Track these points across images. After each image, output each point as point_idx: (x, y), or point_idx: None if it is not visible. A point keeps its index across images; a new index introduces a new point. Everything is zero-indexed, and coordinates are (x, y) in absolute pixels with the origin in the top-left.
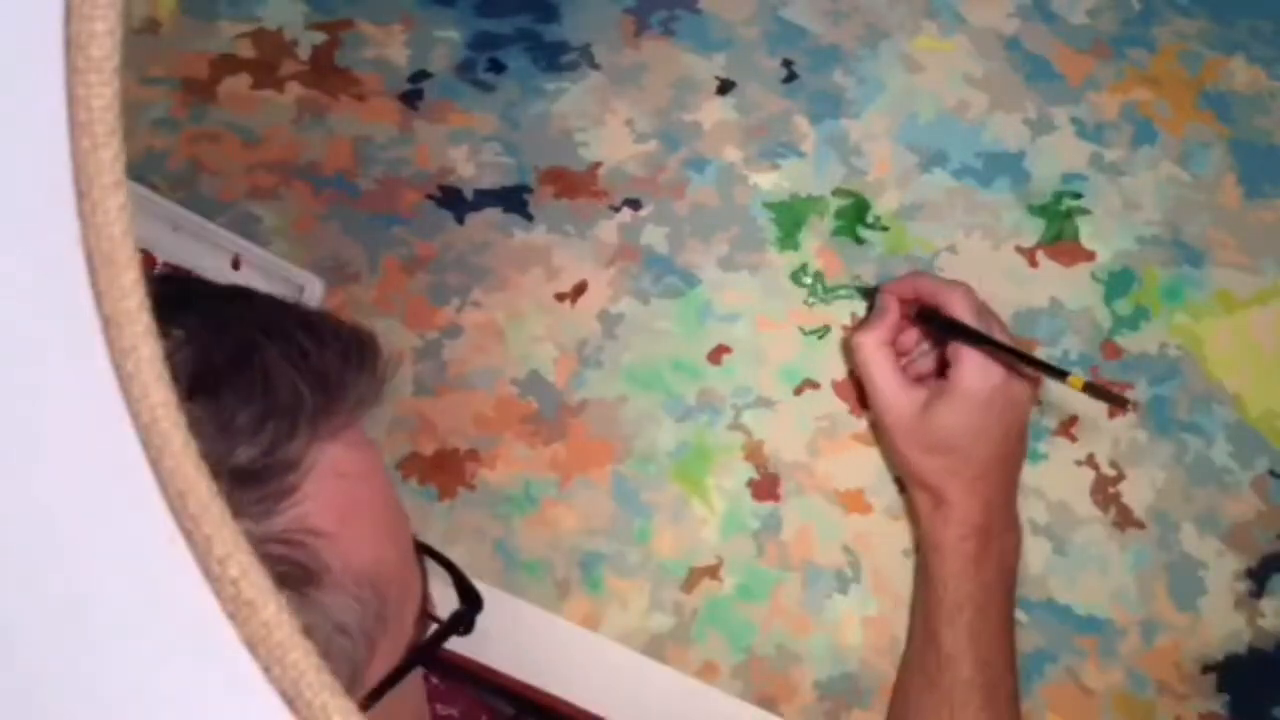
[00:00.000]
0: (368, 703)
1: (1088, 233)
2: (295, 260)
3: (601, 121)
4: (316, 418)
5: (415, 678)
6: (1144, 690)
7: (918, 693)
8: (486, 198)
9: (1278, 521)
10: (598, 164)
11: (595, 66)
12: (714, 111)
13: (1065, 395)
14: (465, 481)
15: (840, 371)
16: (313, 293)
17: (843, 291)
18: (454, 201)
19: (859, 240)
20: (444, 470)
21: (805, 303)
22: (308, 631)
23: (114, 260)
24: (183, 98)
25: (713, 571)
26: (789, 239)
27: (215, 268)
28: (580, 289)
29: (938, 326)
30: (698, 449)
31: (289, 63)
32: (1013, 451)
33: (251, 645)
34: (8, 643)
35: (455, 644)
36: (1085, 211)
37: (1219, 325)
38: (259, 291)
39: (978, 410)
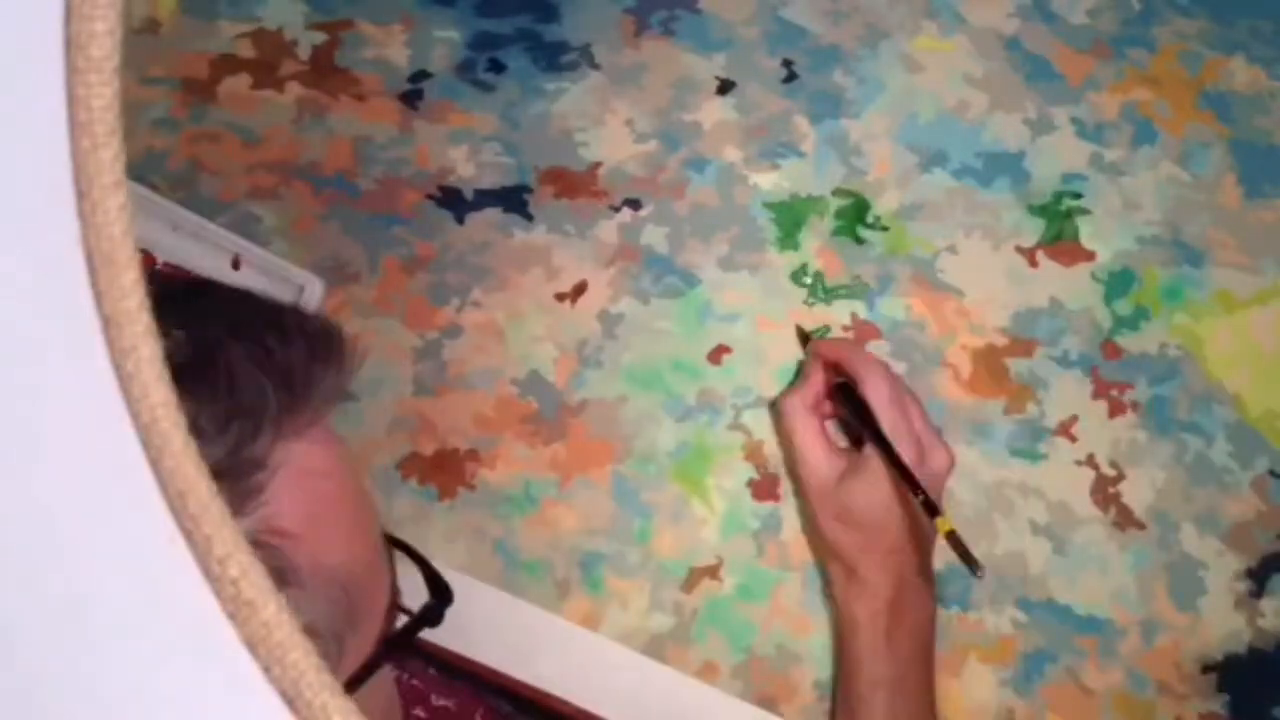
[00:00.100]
0: None
1: (1088, 233)
2: (295, 260)
3: (601, 121)
4: (281, 416)
5: (386, 671)
6: (1144, 690)
7: None
8: (486, 198)
9: (1278, 521)
10: (598, 164)
11: (595, 66)
12: (714, 111)
13: (1065, 395)
14: (465, 481)
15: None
16: (313, 293)
17: (843, 291)
18: (454, 201)
19: (859, 240)
20: (444, 470)
21: (805, 303)
22: None
23: (114, 260)
24: (183, 98)
25: (713, 571)
26: (789, 239)
27: (215, 268)
28: (580, 289)
29: (850, 408)
30: (698, 449)
31: (289, 63)
32: (926, 527)
33: (251, 645)
34: (8, 643)
35: (456, 643)
36: (1085, 211)
37: (1219, 325)
38: (225, 286)
39: (890, 487)
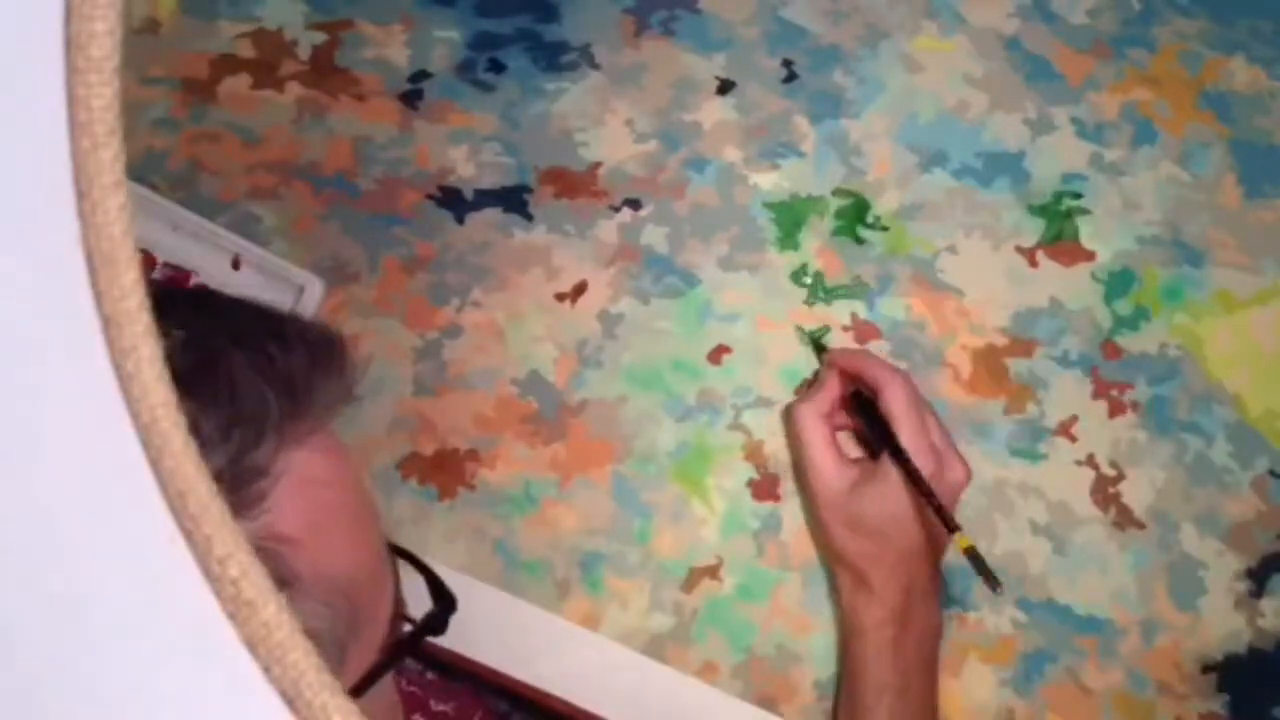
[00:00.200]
0: None
1: (1088, 233)
2: (295, 260)
3: (601, 121)
4: (284, 424)
5: (387, 677)
6: (1144, 690)
7: None
8: (486, 198)
9: (1278, 521)
10: (598, 164)
11: (595, 66)
12: (714, 111)
13: (1065, 395)
14: (465, 481)
15: None
16: (313, 293)
17: (843, 291)
18: (454, 201)
19: (859, 240)
20: (444, 470)
21: (805, 303)
22: None
23: (114, 260)
24: (183, 98)
25: (713, 571)
26: (789, 239)
27: (215, 268)
28: (580, 289)
29: (867, 419)
30: (698, 449)
31: (289, 63)
32: (938, 540)
33: (251, 645)
34: (8, 643)
35: (456, 644)
36: (1085, 211)
37: (1219, 325)
38: (226, 295)
39: (904, 499)
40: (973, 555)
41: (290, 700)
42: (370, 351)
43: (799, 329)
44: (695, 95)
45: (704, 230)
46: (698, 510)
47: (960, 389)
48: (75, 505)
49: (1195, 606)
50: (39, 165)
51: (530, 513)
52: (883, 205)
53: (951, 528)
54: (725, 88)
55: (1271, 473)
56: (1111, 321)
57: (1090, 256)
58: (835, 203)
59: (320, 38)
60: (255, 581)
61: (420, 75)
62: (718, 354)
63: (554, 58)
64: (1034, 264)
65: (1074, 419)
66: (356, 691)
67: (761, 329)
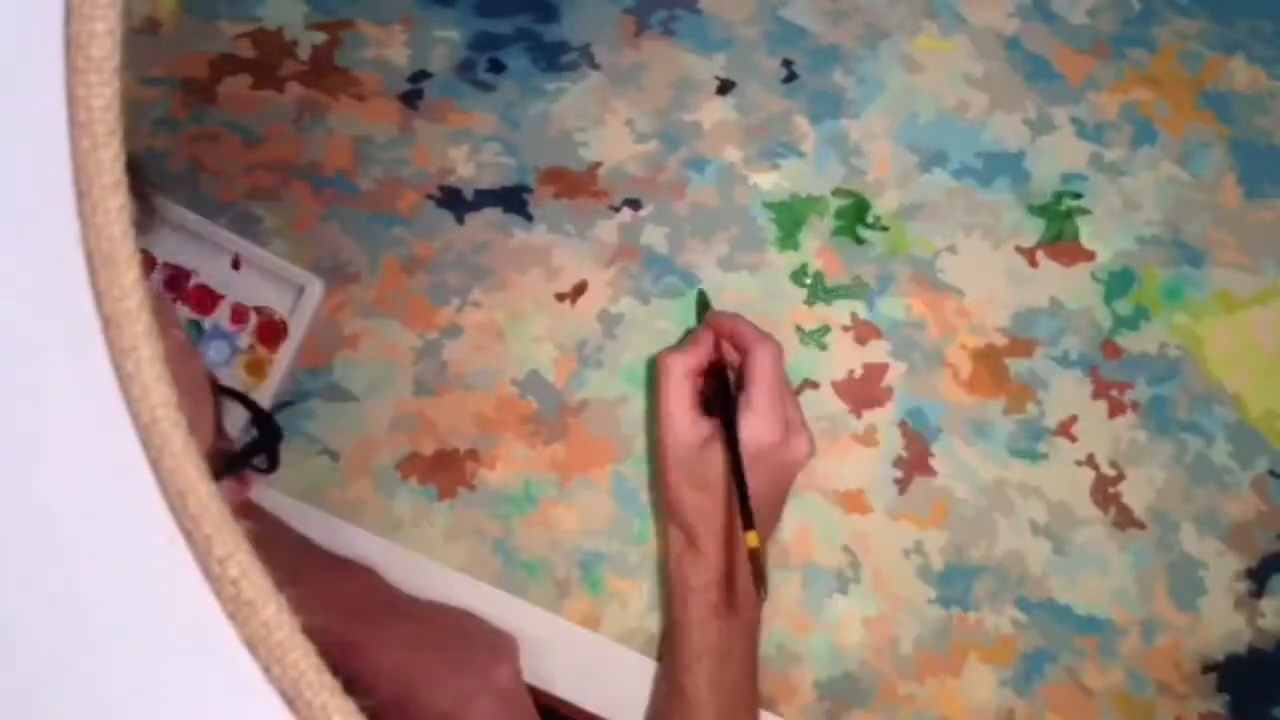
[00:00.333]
0: None
1: (1088, 233)
2: (295, 260)
3: (601, 121)
4: None
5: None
6: (1144, 690)
7: None
8: (486, 198)
9: (1278, 521)
10: (598, 164)
11: (595, 66)
12: (714, 111)
13: (1065, 395)
14: (465, 481)
15: (840, 372)
16: (313, 293)
17: (843, 291)
18: (454, 201)
19: (859, 240)
20: (444, 470)
21: (805, 303)
22: None
23: (114, 260)
24: (183, 98)
25: None
26: (789, 239)
27: (215, 268)
28: (580, 289)
29: (719, 390)
30: None
31: (289, 63)
32: (771, 510)
33: (251, 645)
34: (8, 643)
35: None
36: (1085, 211)
37: (1219, 325)
38: None
39: (746, 462)
40: (754, 557)
41: (290, 700)
42: (370, 351)
43: (700, 292)
44: (695, 95)
45: (704, 230)
46: None
47: (960, 389)
48: (75, 505)
49: (1195, 606)
50: (39, 165)
51: (530, 513)
52: (883, 205)
53: (748, 524)
54: (725, 88)
55: (1271, 473)
56: (1111, 321)
57: (1090, 256)
58: (835, 203)
59: (320, 38)
60: (255, 581)
61: (420, 75)
62: None
63: (554, 58)
64: (1034, 264)
65: (1074, 419)
66: None
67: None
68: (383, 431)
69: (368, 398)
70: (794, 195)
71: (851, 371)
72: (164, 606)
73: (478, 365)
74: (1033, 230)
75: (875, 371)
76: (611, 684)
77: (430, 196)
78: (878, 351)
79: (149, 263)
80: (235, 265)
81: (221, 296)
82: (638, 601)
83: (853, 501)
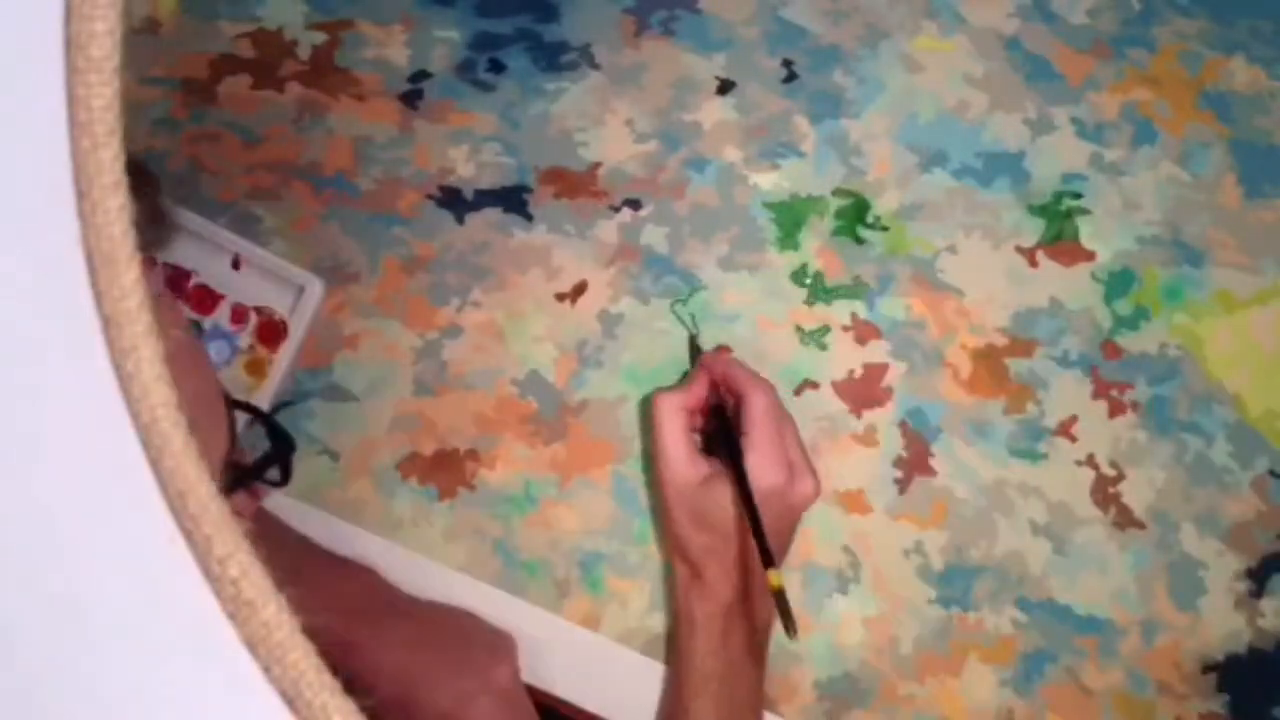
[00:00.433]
0: None
1: (1088, 233)
2: (295, 260)
3: (601, 121)
4: None
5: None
6: (1144, 690)
7: None
8: (486, 198)
9: (1278, 521)
10: (598, 164)
11: (595, 66)
12: (714, 111)
13: (1065, 395)
14: (465, 481)
15: (840, 372)
16: (313, 293)
17: (843, 291)
18: (454, 201)
19: (859, 240)
20: (444, 470)
21: (805, 303)
22: None
23: (114, 260)
24: (183, 98)
25: None
26: (789, 239)
27: (215, 268)
28: (580, 289)
29: (720, 431)
30: None
31: (289, 63)
32: (779, 550)
33: (251, 645)
34: (8, 643)
35: None
36: (1085, 211)
37: (1219, 325)
38: None
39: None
40: (779, 597)
41: (290, 700)
42: (370, 351)
43: (691, 338)
44: (695, 95)
45: (704, 230)
46: None
47: (960, 389)
48: (75, 505)
49: (1195, 606)
50: (39, 165)
51: (530, 513)
52: (883, 205)
53: (767, 563)
54: (725, 88)
55: (1271, 473)
56: (1111, 321)
57: (1090, 256)
58: (835, 203)
59: (320, 38)
60: (255, 581)
61: (420, 75)
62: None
63: (554, 58)
64: (1034, 264)
65: (1074, 419)
66: None
67: (761, 329)
68: (383, 431)
69: (368, 398)
70: (794, 195)
71: (851, 371)
72: (164, 606)
73: (478, 365)
74: (1033, 230)
75: (875, 371)
76: (611, 684)
77: (430, 196)
78: (878, 351)
79: (149, 263)
80: (235, 265)
81: (221, 296)
82: (638, 601)
83: (853, 501)
